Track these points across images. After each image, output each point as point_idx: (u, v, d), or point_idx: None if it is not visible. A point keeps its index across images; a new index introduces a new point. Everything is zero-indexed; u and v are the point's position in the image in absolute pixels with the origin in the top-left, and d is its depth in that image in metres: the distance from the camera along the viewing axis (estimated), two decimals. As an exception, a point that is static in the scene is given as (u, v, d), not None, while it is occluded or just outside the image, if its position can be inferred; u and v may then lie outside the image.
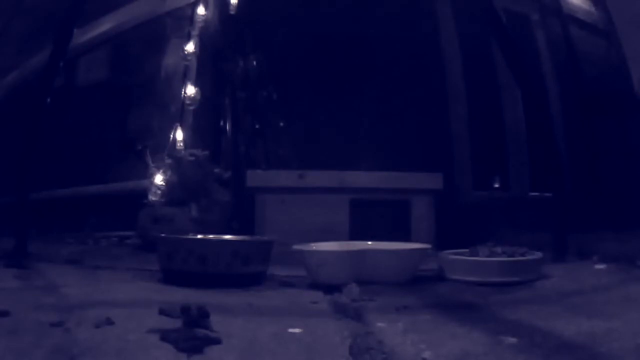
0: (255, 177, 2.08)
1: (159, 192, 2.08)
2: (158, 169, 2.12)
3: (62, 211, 2.70)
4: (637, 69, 2.25)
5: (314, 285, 1.31)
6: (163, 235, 1.42)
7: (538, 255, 1.42)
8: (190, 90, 2.34)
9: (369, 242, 1.51)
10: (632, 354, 0.69)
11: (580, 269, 1.49)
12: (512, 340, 0.79)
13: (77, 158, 2.85)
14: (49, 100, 1.64)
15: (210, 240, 1.37)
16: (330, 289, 1.24)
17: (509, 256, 1.40)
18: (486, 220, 1.89)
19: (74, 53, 2.75)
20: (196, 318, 0.86)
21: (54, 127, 2.23)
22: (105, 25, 2.99)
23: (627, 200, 2.02)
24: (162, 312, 0.93)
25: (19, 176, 1.61)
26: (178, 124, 2.30)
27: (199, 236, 1.44)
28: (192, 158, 2.04)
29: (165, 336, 0.77)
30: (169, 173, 2.07)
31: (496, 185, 2.34)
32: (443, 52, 2.17)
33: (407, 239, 1.82)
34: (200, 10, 2.40)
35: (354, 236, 1.74)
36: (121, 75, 2.91)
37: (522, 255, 1.41)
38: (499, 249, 1.43)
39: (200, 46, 2.39)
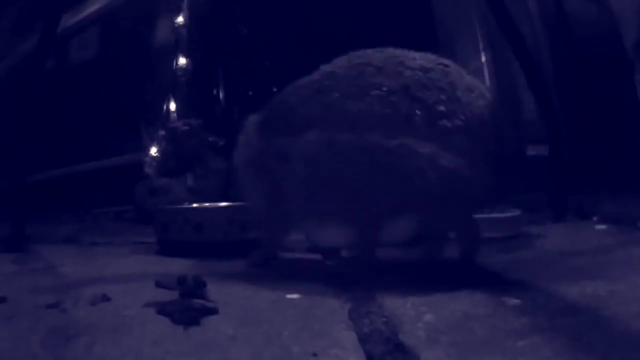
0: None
1: (155, 163, 2.07)
2: (153, 141, 2.10)
3: (59, 191, 2.69)
4: (630, 33, 2.22)
5: (312, 249, 1.31)
6: (159, 206, 1.41)
7: (516, 212, 1.44)
8: (182, 61, 2.32)
9: None
10: (637, 319, 0.68)
11: (581, 229, 1.48)
12: (515, 301, 0.78)
13: (72, 137, 2.83)
14: (40, 83, 1.62)
15: (205, 208, 1.35)
16: (328, 251, 1.23)
17: (486, 214, 1.42)
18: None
19: (65, 34, 2.72)
20: (193, 288, 0.85)
21: (47, 109, 2.21)
22: (96, 4, 2.95)
23: (625, 162, 2.01)
24: (158, 284, 0.92)
25: (14, 161, 1.60)
26: (171, 95, 2.28)
27: (194, 205, 1.42)
28: (186, 128, 2.02)
29: (162, 309, 0.76)
30: (163, 144, 2.06)
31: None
32: (434, 13, 2.14)
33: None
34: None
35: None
36: (113, 52, 2.88)
37: (501, 212, 1.44)
38: None
39: (190, 16, 2.36)
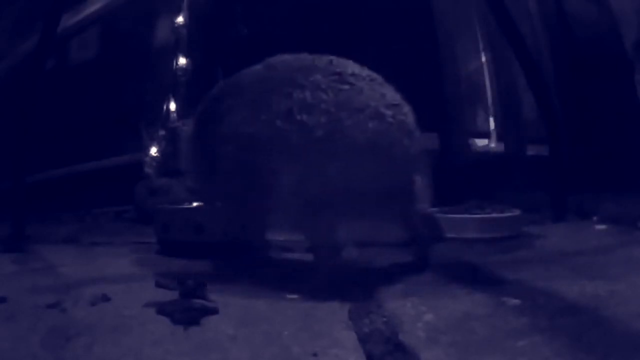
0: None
1: (155, 163, 2.07)
2: (153, 141, 2.10)
3: (59, 191, 2.69)
4: (630, 33, 2.22)
5: (312, 249, 1.30)
6: (159, 206, 1.41)
7: (516, 212, 1.44)
8: (182, 61, 2.32)
9: None
10: (637, 319, 0.68)
11: (581, 229, 1.48)
12: (515, 301, 0.78)
13: (72, 137, 2.82)
14: (40, 83, 1.62)
15: (205, 208, 1.35)
16: (328, 252, 1.22)
17: (486, 214, 1.43)
18: (484, 180, 1.88)
19: (65, 34, 2.71)
20: (193, 288, 0.85)
21: (47, 109, 2.21)
22: (96, 4, 2.95)
23: (625, 162, 2.01)
24: (158, 284, 0.92)
25: (14, 161, 1.60)
26: (171, 95, 2.27)
27: (194, 204, 1.42)
28: (186, 128, 2.01)
29: (162, 309, 0.77)
30: (163, 144, 2.05)
31: (492, 145, 2.33)
32: (434, 13, 2.14)
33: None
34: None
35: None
36: (113, 52, 2.88)
37: (501, 212, 1.44)
38: (474, 206, 1.47)
39: (190, 16, 2.36)
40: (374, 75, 1.00)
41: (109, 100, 2.69)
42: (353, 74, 0.97)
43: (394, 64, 1.88)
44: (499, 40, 2.15)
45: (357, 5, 2.08)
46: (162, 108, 2.24)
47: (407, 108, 0.99)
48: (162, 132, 2.09)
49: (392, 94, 0.98)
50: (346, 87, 0.95)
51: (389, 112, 0.95)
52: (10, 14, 3.17)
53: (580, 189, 1.75)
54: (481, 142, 2.34)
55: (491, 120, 2.39)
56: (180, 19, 2.35)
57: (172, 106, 2.24)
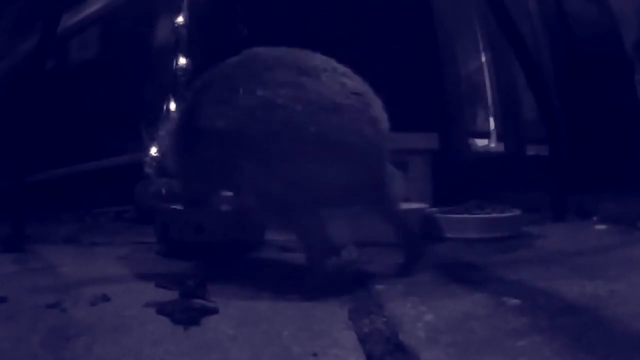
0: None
1: (155, 163, 2.06)
2: (153, 140, 2.10)
3: (59, 191, 2.69)
4: (630, 33, 2.23)
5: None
6: (159, 206, 1.41)
7: (516, 212, 1.45)
8: (182, 61, 2.32)
9: None
10: (637, 319, 0.68)
11: (581, 229, 1.48)
12: (515, 301, 0.78)
13: (72, 137, 2.82)
14: (40, 83, 1.62)
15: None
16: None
17: (486, 214, 1.44)
18: (484, 180, 1.88)
19: (65, 34, 2.71)
20: (193, 289, 0.85)
21: (47, 109, 2.21)
22: (96, 4, 2.95)
23: (625, 162, 2.01)
24: (158, 284, 0.93)
25: (14, 161, 1.59)
26: (171, 95, 2.27)
27: None
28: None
29: (162, 309, 0.77)
30: (163, 144, 2.05)
31: (492, 145, 2.33)
32: (434, 13, 2.14)
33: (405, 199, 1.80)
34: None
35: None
36: (113, 52, 2.88)
37: (501, 212, 1.44)
38: (474, 206, 1.48)
39: (190, 16, 2.36)
40: (340, 67, 0.97)
41: (109, 100, 2.69)
42: (314, 67, 0.95)
43: (395, 64, 1.89)
44: (499, 40, 2.15)
45: (357, 5, 2.08)
46: (162, 108, 2.24)
47: (371, 97, 0.97)
48: (162, 132, 2.09)
49: (355, 84, 0.96)
50: (304, 79, 0.93)
51: (347, 102, 0.92)
52: (10, 14, 3.17)
53: (580, 189, 1.75)
54: (481, 142, 2.34)
55: (491, 120, 2.39)
56: (180, 19, 2.35)
57: (172, 106, 2.24)
